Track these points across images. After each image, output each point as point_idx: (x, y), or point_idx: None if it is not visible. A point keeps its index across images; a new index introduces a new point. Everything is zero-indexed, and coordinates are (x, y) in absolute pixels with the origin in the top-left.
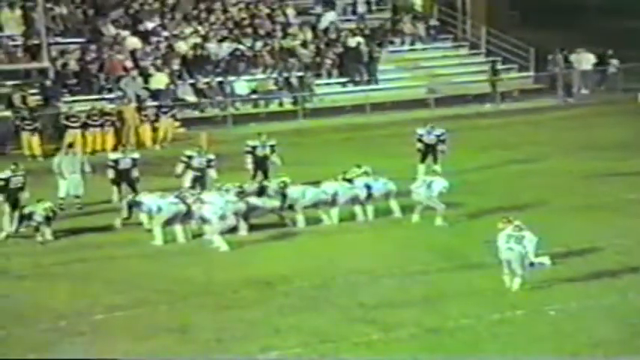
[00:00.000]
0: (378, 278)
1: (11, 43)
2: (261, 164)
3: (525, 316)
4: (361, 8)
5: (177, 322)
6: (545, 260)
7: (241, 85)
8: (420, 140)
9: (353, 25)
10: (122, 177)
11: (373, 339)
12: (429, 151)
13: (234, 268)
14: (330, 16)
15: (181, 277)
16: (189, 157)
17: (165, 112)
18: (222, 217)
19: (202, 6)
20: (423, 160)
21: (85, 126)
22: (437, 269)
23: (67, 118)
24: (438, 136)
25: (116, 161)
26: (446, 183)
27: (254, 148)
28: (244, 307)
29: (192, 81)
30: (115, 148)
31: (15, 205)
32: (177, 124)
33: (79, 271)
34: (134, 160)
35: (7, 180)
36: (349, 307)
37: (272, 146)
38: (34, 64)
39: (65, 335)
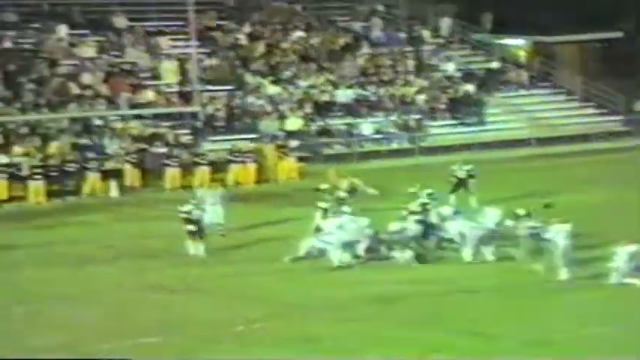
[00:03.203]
0: (481, 296)
1: (168, 89)
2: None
3: None
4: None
5: (307, 333)
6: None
7: (366, 127)
8: (454, 175)
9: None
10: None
11: (480, 349)
12: (460, 184)
13: (356, 286)
14: (448, 67)
15: (309, 292)
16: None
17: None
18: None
19: (333, 57)
20: (453, 192)
21: (212, 164)
22: (536, 288)
23: (197, 156)
24: (468, 171)
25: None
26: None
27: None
28: (365, 320)
29: (322, 123)
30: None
31: (199, 233)
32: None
33: (222, 286)
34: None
35: (189, 212)
36: (458, 321)
37: (430, 194)
38: (187, 108)
39: (211, 343)
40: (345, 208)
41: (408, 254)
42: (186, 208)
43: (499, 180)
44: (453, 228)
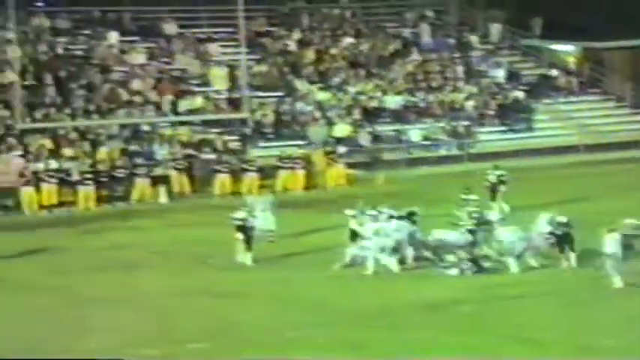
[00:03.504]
0: (527, 301)
1: (217, 96)
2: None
3: None
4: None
5: (354, 340)
6: None
7: (415, 133)
8: (487, 180)
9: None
10: None
11: (527, 355)
12: (494, 189)
13: (403, 293)
14: (498, 73)
15: (357, 299)
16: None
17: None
18: (383, 249)
19: (382, 64)
20: (493, 199)
21: (261, 170)
22: (580, 295)
23: (245, 162)
24: (499, 176)
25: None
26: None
27: (464, 200)
28: (413, 328)
29: (371, 129)
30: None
31: (249, 242)
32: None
33: (271, 292)
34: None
35: (244, 220)
36: (505, 327)
37: (474, 200)
38: (236, 115)
39: (259, 349)
40: (393, 212)
41: (454, 271)
42: (239, 215)
43: (546, 186)
44: (501, 238)
